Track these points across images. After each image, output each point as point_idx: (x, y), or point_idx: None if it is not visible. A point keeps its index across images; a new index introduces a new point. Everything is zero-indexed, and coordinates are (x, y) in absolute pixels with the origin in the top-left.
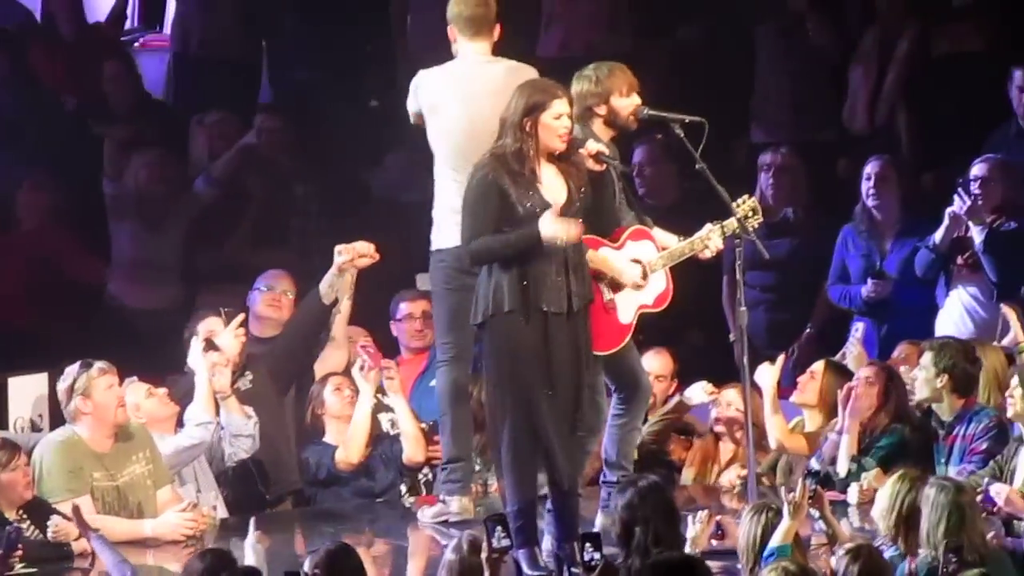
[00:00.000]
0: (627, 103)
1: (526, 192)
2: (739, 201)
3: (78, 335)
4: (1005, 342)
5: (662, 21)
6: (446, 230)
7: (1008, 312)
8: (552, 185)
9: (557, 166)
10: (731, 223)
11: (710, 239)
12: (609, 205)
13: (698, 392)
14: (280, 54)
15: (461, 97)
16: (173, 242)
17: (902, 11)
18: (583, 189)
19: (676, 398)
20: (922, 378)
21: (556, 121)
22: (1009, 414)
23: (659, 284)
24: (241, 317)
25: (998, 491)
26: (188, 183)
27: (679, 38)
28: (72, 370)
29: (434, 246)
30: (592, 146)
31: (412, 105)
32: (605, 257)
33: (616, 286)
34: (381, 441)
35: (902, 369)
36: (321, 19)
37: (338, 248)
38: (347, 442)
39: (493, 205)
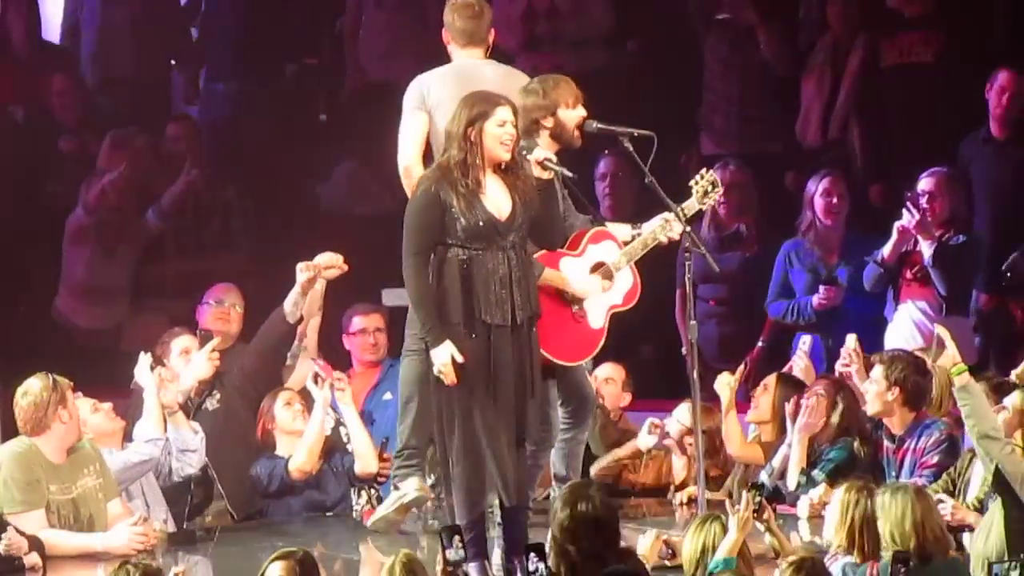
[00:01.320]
0: (573, 115)
1: (470, 204)
2: (697, 177)
3: (25, 351)
4: (941, 362)
5: (613, 33)
6: None
7: (943, 332)
8: (497, 197)
9: (504, 178)
10: (691, 204)
11: (671, 225)
12: (556, 215)
13: (647, 438)
14: (222, 68)
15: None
16: (124, 266)
17: (854, 23)
18: (530, 201)
19: (631, 444)
20: (873, 391)
21: (500, 129)
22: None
23: (626, 281)
24: (216, 341)
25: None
26: (143, 208)
27: (629, 50)
28: (38, 383)
29: None
30: (539, 153)
31: (418, 107)
32: (563, 277)
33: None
34: (332, 454)
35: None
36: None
37: (300, 266)
38: (302, 449)
39: (435, 218)
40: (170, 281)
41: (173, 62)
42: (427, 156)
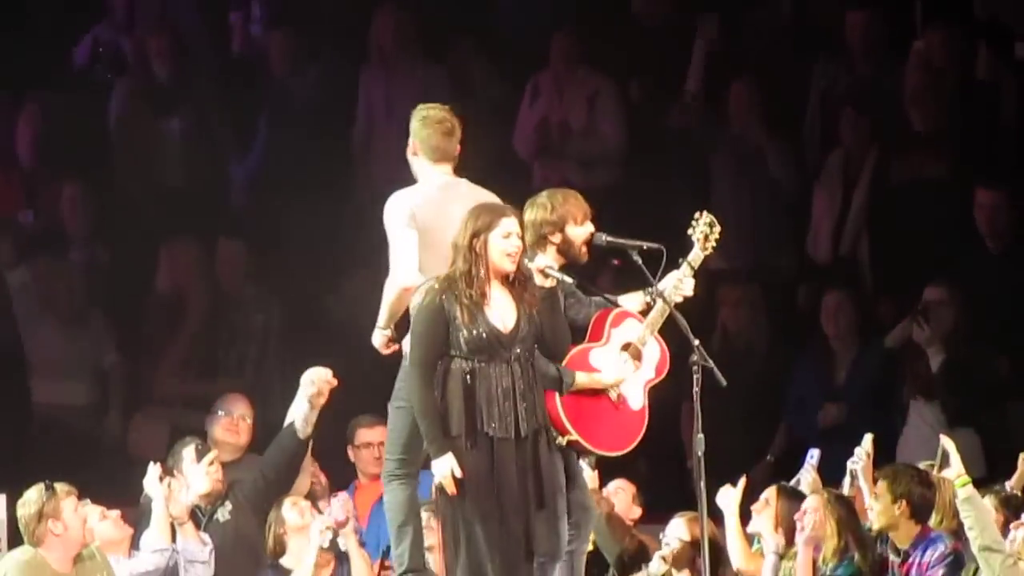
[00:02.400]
0: (582, 231)
1: (473, 317)
2: (693, 224)
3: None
4: (946, 474)
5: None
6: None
7: (947, 444)
8: (502, 309)
9: (510, 291)
10: (696, 256)
11: (682, 284)
12: (559, 324)
13: (658, 563)
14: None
15: (444, 218)
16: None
17: (865, 137)
18: (535, 314)
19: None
20: (879, 507)
21: (505, 240)
22: None
23: (655, 352)
24: (213, 454)
25: None
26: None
27: (636, 166)
28: (35, 494)
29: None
30: (539, 261)
31: (409, 224)
32: (595, 377)
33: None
34: (340, 565)
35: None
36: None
37: (305, 380)
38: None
39: (439, 329)
40: (180, 392)
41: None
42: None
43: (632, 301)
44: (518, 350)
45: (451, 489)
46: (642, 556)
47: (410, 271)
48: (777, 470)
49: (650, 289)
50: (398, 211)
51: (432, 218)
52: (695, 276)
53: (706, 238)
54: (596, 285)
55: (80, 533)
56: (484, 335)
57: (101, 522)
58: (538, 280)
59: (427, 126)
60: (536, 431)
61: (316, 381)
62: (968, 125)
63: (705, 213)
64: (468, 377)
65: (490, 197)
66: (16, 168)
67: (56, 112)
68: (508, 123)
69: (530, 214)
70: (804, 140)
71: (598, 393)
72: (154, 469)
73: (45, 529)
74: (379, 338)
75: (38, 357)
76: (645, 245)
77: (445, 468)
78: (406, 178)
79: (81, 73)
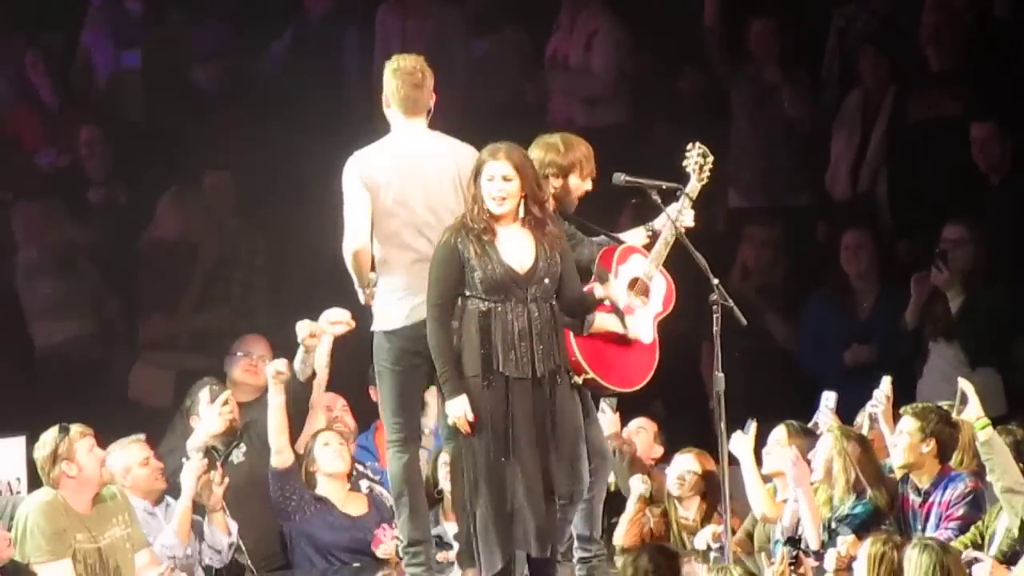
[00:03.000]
0: (582, 185)
1: (486, 256)
2: (687, 155)
3: (53, 396)
4: (964, 416)
5: (641, 85)
6: (394, 311)
7: (966, 386)
8: (519, 249)
9: (530, 231)
10: (693, 187)
11: (682, 215)
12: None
13: (640, 484)
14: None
15: (407, 175)
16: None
17: (885, 76)
18: (554, 257)
19: (632, 498)
20: (905, 444)
21: (489, 184)
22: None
23: (661, 286)
24: (227, 394)
25: (980, 571)
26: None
27: (657, 102)
28: (50, 436)
29: (379, 327)
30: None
31: (361, 186)
32: (604, 324)
33: (629, 311)
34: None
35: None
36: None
37: (299, 326)
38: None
39: (454, 269)
40: (184, 334)
41: None
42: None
43: (634, 237)
44: (534, 290)
45: (465, 429)
46: (661, 496)
47: (357, 233)
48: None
49: (649, 225)
50: (349, 174)
51: (388, 177)
52: (693, 207)
53: (700, 168)
54: (616, 224)
55: (96, 474)
56: (498, 275)
57: (141, 468)
58: None
59: (396, 77)
60: (552, 372)
61: (304, 327)
62: (986, 64)
63: (697, 144)
64: (484, 317)
65: (463, 150)
66: (38, 108)
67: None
68: (523, 63)
69: (538, 152)
70: (823, 79)
71: (611, 333)
72: (197, 461)
73: (60, 471)
74: (362, 297)
75: (43, 300)
76: (664, 184)
77: (458, 409)
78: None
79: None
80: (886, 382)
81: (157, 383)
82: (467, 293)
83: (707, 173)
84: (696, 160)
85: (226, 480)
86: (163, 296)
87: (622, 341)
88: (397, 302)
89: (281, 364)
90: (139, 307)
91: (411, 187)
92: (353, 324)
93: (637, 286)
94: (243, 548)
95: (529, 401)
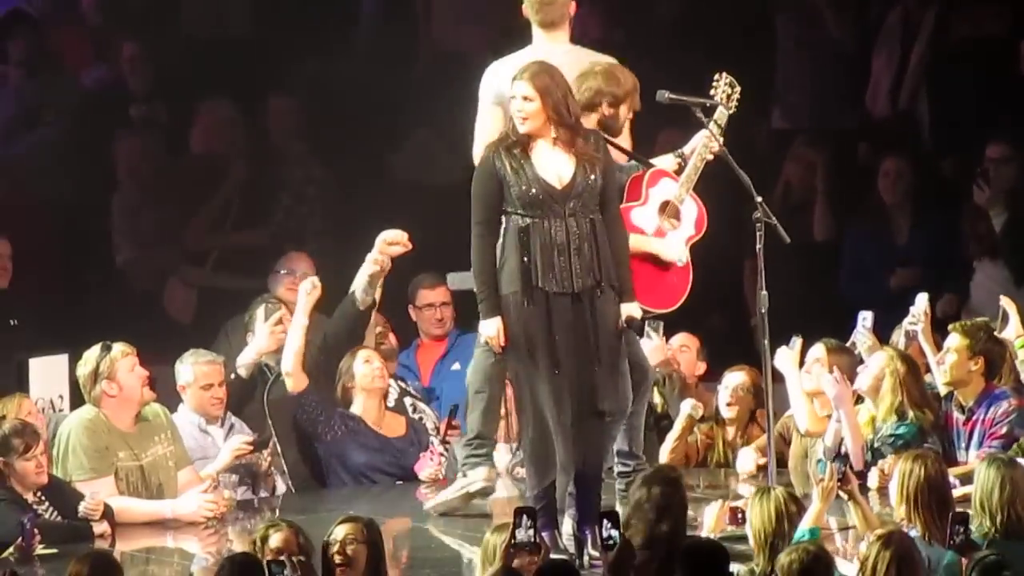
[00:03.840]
0: (627, 116)
1: (522, 173)
2: (715, 81)
3: (95, 314)
4: (1005, 334)
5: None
6: None
7: (1008, 304)
8: (556, 164)
9: (565, 147)
10: (721, 114)
11: (711, 142)
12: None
13: (689, 407)
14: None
15: None
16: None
17: None
18: (592, 174)
19: (680, 418)
20: (953, 361)
21: (513, 103)
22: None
23: (692, 210)
24: (281, 312)
25: None
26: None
27: (702, 21)
28: (93, 354)
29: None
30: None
31: (494, 102)
32: (640, 245)
33: (661, 234)
34: (414, 427)
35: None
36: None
37: (370, 258)
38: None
39: (492, 187)
40: (233, 252)
41: None
42: (451, 136)
43: (664, 163)
44: (572, 205)
45: (496, 349)
46: (709, 416)
47: (478, 150)
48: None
49: (679, 151)
50: (483, 86)
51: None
52: (723, 134)
53: (728, 97)
54: (657, 141)
55: (137, 393)
56: (534, 190)
57: (204, 391)
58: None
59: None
60: (592, 287)
61: (378, 260)
62: None
63: (724, 74)
64: (522, 233)
65: (594, 59)
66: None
67: None
68: None
69: (596, 81)
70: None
71: (644, 254)
72: (238, 444)
73: (101, 389)
74: None
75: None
76: (708, 102)
77: (491, 329)
78: (468, 43)
79: None
80: (923, 299)
81: (185, 300)
82: (508, 210)
83: (735, 102)
84: (724, 90)
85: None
86: (197, 213)
87: (656, 263)
88: None
89: (314, 281)
90: (175, 223)
91: None
92: (409, 246)
93: (668, 209)
94: (284, 468)
95: (570, 316)
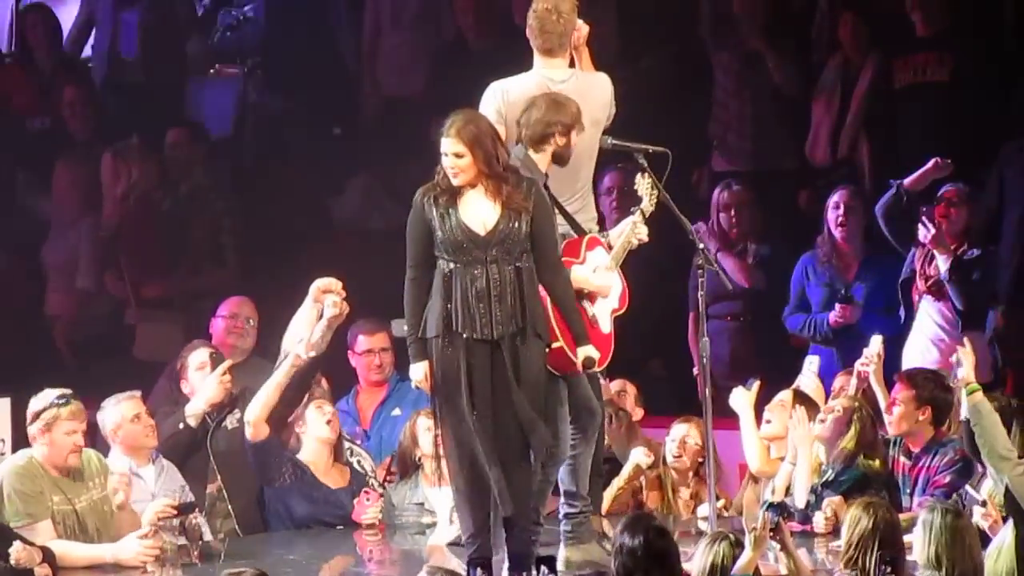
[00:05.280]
0: (575, 142)
1: (447, 218)
2: (636, 181)
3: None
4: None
5: (625, 51)
6: None
7: (963, 352)
8: (481, 211)
9: (493, 193)
10: (647, 206)
11: (638, 230)
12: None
13: (642, 455)
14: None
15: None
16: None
17: (864, 42)
18: (517, 221)
19: (628, 465)
20: (899, 413)
21: (444, 158)
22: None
23: (619, 284)
24: (227, 364)
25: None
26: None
27: (641, 67)
28: (47, 397)
29: None
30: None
31: (498, 120)
32: (586, 277)
33: (592, 299)
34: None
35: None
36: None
37: (329, 301)
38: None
39: (421, 230)
40: (178, 294)
41: None
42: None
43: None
44: (495, 251)
45: (426, 391)
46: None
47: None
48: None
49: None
50: (486, 103)
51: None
52: (646, 223)
53: (650, 195)
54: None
55: (64, 456)
56: (458, 236)
57: (132, 424)
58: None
59: (535, 17)
60: (514, 334)
61: (337, 303)
62: (970, 28)
63: (645, 175)
64: (447, 278)
65: (597, 82)
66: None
67: None
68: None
69: (542, 112)
70: (808, 44)
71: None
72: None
73: (34, 432)
74: None
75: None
76: (651, 148)
77: (418, 374)
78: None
79: None
80: (877, 341)
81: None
82: (436, 254)
83: (654, 198)
84: (646, 188)
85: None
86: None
87: (591, 320)
88: None
89: (335, 301)
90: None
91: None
92: (343, 294)
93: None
94: (231, 510)
95: (488, 362)
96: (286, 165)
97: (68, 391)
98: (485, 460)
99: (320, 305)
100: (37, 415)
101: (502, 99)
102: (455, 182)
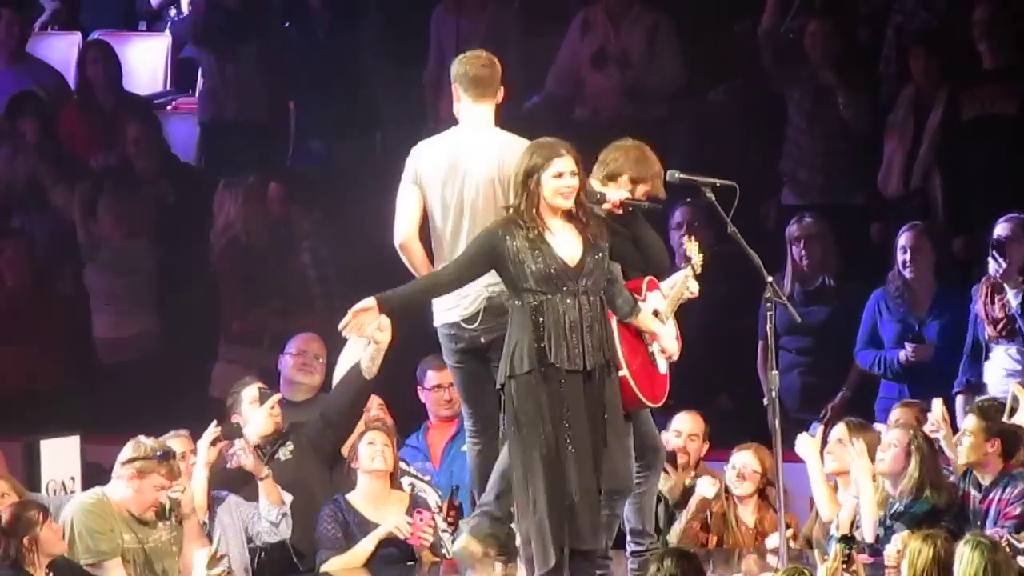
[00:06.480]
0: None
1: (537, 250)
2: (684, 243)
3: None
4: (1016, 420)
5: (691, 84)
6: (437, 307)
7: (1018, 390)
8: (568, 242)
9: (574, 224)
10: (697, 262)
11: (690, 283)
12: (648, 237)
13: (707, 486)
14: (306, 119)
15: (455, 168)
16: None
17: (935, 75)
18: (600, 244)
19: (694, 498)
20: (969, 443)
21: (557, 180)
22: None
23: (673, 330)
24: (276, 397)
25: None
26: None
27: (710, 100)
28: (149, 446)
29: (435, 322)
30: (614, 195)
31: (412, 180)
32: (648, 314)
33: (651, 338)
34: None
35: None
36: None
37: (373, 325)
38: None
39: (484, 254)
40: (267, 332)
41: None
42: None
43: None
44: (584, 283)
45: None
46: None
47: (400, 229)
48: (852, 407)
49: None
50: (407, 166)
51: (433, 171)
52: (697, 278)
53: (698, 255)
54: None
55: (144, 506)
56: (552, 268)
57: (179, 461)
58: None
59: (463, 62)
60: (603, 366)
61: (383, 325)
62: None
63: (692, 239)
64: (536, 311)
65: (515, 147)
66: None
67: None
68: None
69: (619, 153)
70: (880, 77)
71: (641, 344)
72: (212, 430)
73: (123, 475)
74: None
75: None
76: (718, 182)
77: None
78: None
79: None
80: (938, 406)
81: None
82: (519, 286)
83: (700, 264)
84: (694, 249)
85: (251, 446)
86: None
87: (647, 358)
88: (441, 300)
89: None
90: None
91: (452, 186)
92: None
93: (658, 318)
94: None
95: (581, 394)
96: (348, 204)
97: (170, 448)
98: (571, 494)
99: (362, 341)
100: (132, 460)
101: (415, 161)
102: (567, 203)
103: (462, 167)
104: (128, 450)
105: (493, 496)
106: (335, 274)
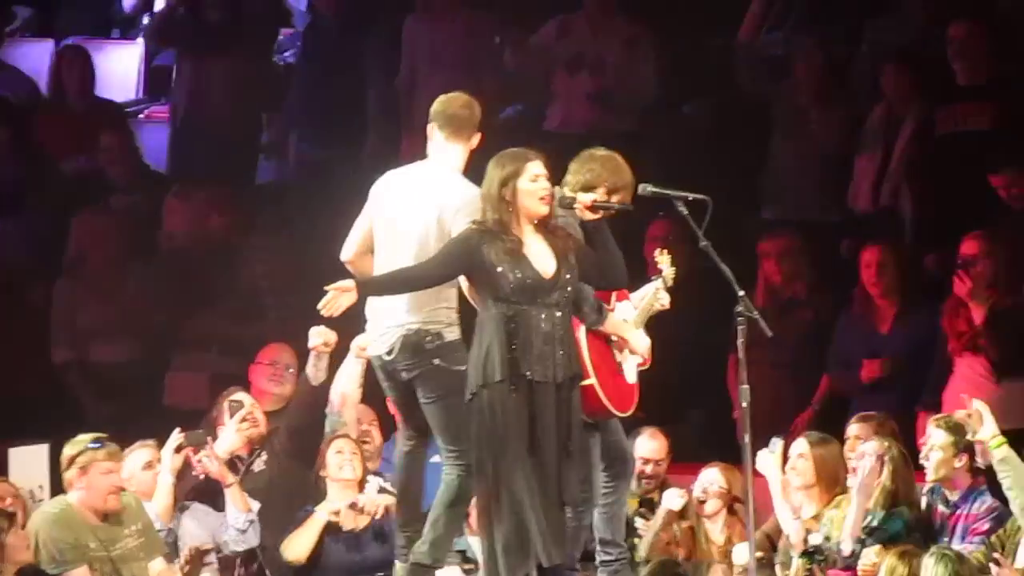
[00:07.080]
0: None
1: (516, 262)
2: (657, 257)
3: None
4: (981, 435)
5: (666, 98)
6: (371, 335)
7: (980, 406)
8: (541, 255)
9: (544, 236)
10: (668, 275)
11: (660, 296)
12: (613, 252)
13: (674, 498)
14: (279, 129)
15: (408, 203)
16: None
17: (907, 92)
18: (573, 254)
19: (660, 511)
20: (938, 459)
21: (533, 184)
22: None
23: (645, 339)
24: (245, 411)
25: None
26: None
27: (686, 113)
28: (82, 441)
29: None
30: (584, 197)
31: (368, 205)
32: (618, 324)
33: (620, 347)
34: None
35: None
36: (320, 96)
37: (312, 331)
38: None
39: (461, 260)
40: (218, 338)
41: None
42: None
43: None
44: (557, 296)
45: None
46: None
47: (346, 249)
48: (821, 421)
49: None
50: (370, 192)
51: (382, 206)
52: (668, 291)
53: (670, 266)
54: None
55: (102, 498)
56: (528, 280)
57: (143, 471)
58: (588, 216)
59: (441, 103)
60: (571, 378)
61: (319, 332)
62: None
63: (664, 252)
64: (510, 322)
65: (451, 188)
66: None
67: None
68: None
69: (594, 163)
70: (852, 94)
71: (609, 353)
72: (176, 437)
73: (71, 477)
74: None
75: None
76: (691, 196)
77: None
78: None
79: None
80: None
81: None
82: (493, 296)
83: (671, 278)
84: (666, 262)
85: (215, 451)
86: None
87: (615, 367)
88: (372, 331)
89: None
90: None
91: (403, 220)
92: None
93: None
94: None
95: (552, 406)
96: (330, 213)
97: (103, 435)
98: (535, 507)
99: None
100: (72, 459)
101: (376, 190)
102: (545, 209)
103: (414, 203)
104: (65, 453)
105: (427, 546)
106: (285, 286)
